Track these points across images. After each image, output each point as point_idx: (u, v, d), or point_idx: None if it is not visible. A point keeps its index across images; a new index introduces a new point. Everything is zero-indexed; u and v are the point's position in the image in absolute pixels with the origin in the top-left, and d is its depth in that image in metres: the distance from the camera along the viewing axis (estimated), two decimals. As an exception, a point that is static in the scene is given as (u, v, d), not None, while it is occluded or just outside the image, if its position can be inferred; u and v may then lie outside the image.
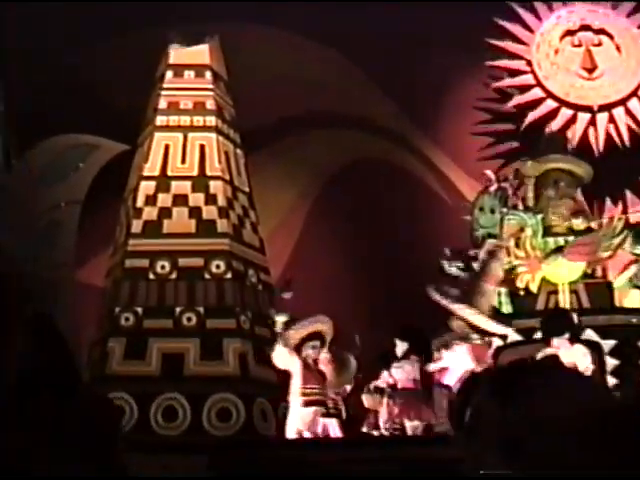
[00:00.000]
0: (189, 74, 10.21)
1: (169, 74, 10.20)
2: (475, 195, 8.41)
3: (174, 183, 9.60)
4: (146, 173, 9.66)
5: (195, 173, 9.65)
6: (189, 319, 9.02)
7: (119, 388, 8.75)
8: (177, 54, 10.32)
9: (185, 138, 9.82)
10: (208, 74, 10.23)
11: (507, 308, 8.04)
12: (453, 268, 8.13)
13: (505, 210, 8.08)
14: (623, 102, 9.25)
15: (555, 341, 7.05)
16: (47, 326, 6.15)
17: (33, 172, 8.33)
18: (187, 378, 8.85)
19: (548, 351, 6.94)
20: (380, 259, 11.09)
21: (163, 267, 9.20)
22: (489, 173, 8.15)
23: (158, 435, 8.69)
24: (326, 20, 11.13)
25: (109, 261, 9.91)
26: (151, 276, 9.19)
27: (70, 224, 8.50)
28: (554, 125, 9.01)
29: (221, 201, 9.52)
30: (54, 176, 8.46)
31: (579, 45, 9.38)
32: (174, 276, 9.19)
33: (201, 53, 10.33)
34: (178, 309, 9.07)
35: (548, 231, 8.20)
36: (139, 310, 9.08)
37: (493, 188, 8.15)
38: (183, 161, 9.71)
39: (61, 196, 8.47)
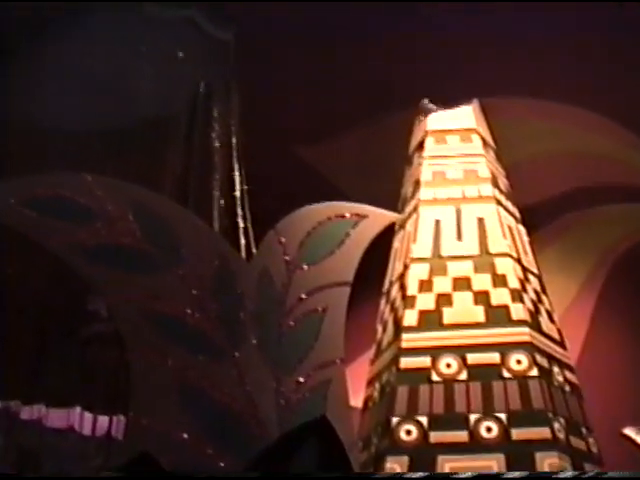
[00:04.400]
0: (453, 139, 8.52)
1: (429, 141, 8.53)
2: None
3: (451, 264, 7.79)
4: (416, 255, 7.89)
5: (476, 251, 7.83)
6: (489, 429, 7.08)
7: (403, 521, 6.86)
8: (436, 119, 8.66)
9: (458, 212, 8.05)
10: (475, 138, 8.52)
11: None
12: None
13: None
14: None
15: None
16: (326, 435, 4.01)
17: (288, 248, 6.62)
18: (492, 505, 6.81)
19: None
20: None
21: (449, 365, 7.33)
22: None
23: None
24: (599, 88, 9.35)
25: (371, 366, 8.12)
26: (435, 377, 7.32)
27: (338, 311, 6.78)
28: None
29: (512, 282, 7.66)
30: (315, 253, 6.75)
31: None
32: (464, 376, 7.30)
33: (465, 116, 8.67)
34: (473, 417, 7.14)
35: None
36: (423, 420, 7.20)
37: None
38: (459, 238, 7.91)
39: (325, 277, 6.71)
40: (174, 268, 6.57)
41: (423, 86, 9.08)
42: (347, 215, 6.90)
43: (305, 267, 6.76)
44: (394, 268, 8.20)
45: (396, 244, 8.35)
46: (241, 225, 7.71)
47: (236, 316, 6.63)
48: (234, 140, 8.22)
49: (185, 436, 6.39)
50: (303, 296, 6.72)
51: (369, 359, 8.29)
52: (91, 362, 7.84)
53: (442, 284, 7.70)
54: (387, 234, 8.39)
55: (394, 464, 7.08)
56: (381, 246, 8.32)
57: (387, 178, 9.09)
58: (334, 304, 6.77)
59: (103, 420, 7.83)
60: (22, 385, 7.96)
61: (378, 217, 7.04)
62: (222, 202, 7.86)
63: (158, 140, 8.22)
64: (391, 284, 8.15)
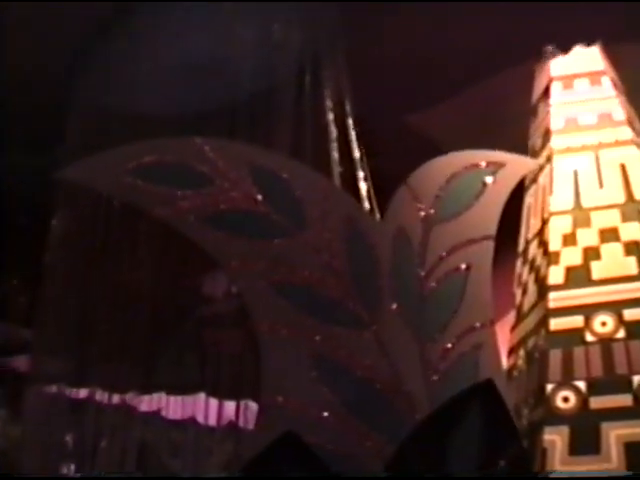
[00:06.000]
0: (582, 83, 7.85)
1: (556, 87, 7.88)
2: None
3: (595, 215, 7.14)
4: (555, 208, 7.26)
5: (621, 200, 7.17)
6: (655, 391, 6.39)
7: (566, 496, 6.21)
8: (560, 64, 8.00)
9: (597, 159, 7.38)
10: (605, 80, 7.86)
11: None
12: None
13: None
14: None
15: None
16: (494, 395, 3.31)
17: (423, 204, 6.00)
18: (666, 474, 6.14)
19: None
20: None
21: (604, 324, 6.66)
22: None
23: None
24: None
25: (512, 333, 7.49)
26: (589, 337, 6.67)
27: (482, 269, 6.10)
28: None
29: (664, 230, 6.97)
30: (453, 206, 6.11)
31: None
32: (621, 334, 6.65)
33: (591, 58, 7.98)
34: (636, 378, 6.49)
35: None
36: (581, 385, 6.53)
37: None
38: (600, 186, 7.25)
39: (465, 232, 6.07)
40: (300, 232, 5.96)
41: (543, 37, 8.43)
42: (483, 164, 6.22)
43: (443, 223, 6.11)
44: (529, 225, 7.58)
45: (529, 199, 7.72)
46: (363, 188, 7.10)
47: (372, 280, 6.00)
48: (346, 101, 7.61)
49: (325, 414, 5.78)
50: (443, 254, 6.07)
51: (506, 326, 7.68)
52: (210, 345, 7.31)
53: (587, 237, 7.06)
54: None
55: (553, 435, 6.44)
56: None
57: (503, 137, 8.44)
58: (478, 261, 6.10)
59: (229, 406, 7.29)
60: (139, 375, 7.46)
61: (516, 164, 6.34)
62: (340, 166, 7.26)
63: (266, 110, 7.65)
64: (528, 242, 7.52)
